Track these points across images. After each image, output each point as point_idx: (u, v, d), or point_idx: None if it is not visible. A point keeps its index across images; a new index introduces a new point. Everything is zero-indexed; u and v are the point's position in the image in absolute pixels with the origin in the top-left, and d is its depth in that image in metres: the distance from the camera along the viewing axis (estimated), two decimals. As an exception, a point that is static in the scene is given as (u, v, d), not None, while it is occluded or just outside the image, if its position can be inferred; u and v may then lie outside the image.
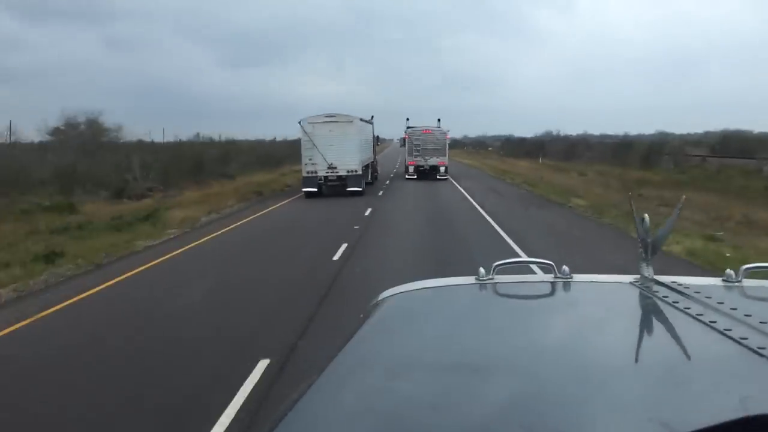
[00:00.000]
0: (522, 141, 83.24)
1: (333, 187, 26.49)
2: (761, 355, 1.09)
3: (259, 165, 43.66)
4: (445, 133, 36.13)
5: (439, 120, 37.42)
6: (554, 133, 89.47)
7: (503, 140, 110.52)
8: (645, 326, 1.46)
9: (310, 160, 26.41)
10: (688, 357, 1.22)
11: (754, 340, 1.15)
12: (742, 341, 1.15)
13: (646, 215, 1.69)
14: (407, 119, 37.45)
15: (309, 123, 26.70)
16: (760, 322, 1.25)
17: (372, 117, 34.87)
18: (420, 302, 1.71)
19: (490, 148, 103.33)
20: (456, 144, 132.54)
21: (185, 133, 49.93)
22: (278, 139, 57.37)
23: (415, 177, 34.60)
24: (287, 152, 46.72)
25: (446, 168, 35.32)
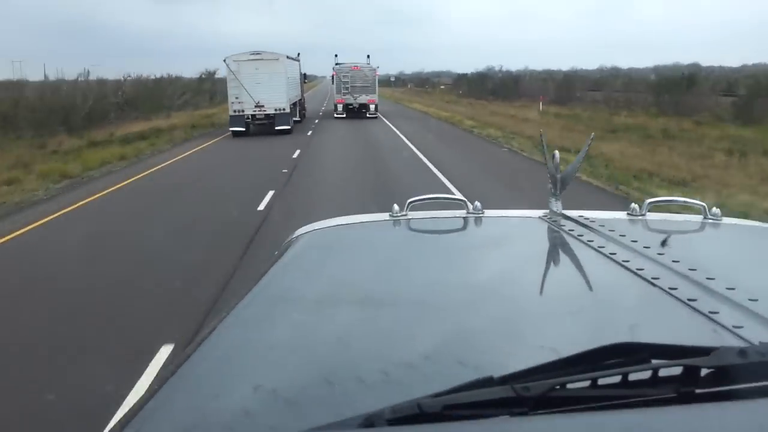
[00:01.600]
0: (482, 77, 71.32)
1: (261, 126, 26.40)
2: (654, 285, 1.14)
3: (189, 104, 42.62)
4: (374, 70, 35.40)
5: (368, 56, 36.84)
6: (496, 68, 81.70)
7: (455, 77, 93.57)
8: (550, 259, 1.51)
9: (237, 98, 26.22)
10: (589, 287, 1.28)
11: (649, 271, 1.20)
12: (639, 272, 1.20)
13: (557, 152, 1.73)
14: (335, 56, 36.69)
15: (234, 61, 26.33)
16: (657, 254, 1.30)
17: (299, 54, 34.44)
18: (334, 239, 1.71)
19: (442, 87, 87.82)
20: (395, 82, 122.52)
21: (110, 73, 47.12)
22: (204, 77, 55.45)
23: (344, 115, 34.04)
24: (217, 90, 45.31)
25: (376, 106, 35.00)
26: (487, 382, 0.77)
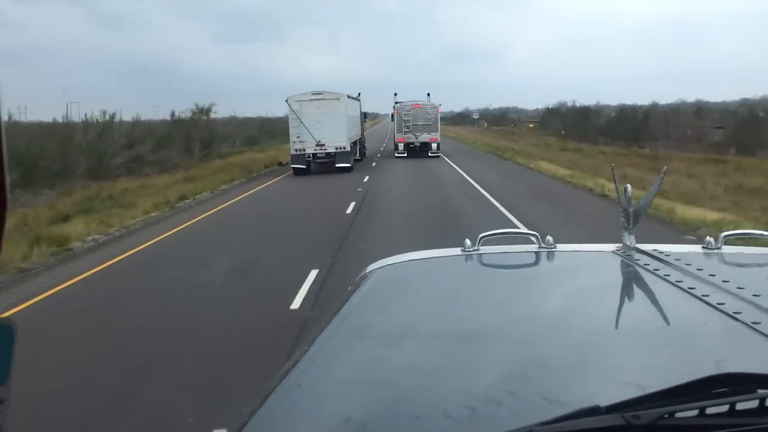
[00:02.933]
0: (582, 113, 58.70)
1: (321, 164, 26.70)
2: (736, 320, 1.12)
3: (249, 143, 43.93)
4: (436, 108, 34.75)
5: (428, 94, 36.35)
6: (568, 103, 76.37)
7: (543, 112, 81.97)
8: (626, 293, 1.49)
9: (298, 137, 26.60)
10: (667, 322, 1.26)
11: (731, 305, 1.18)
12: (719, 306, 1.18)
13: (629, 185, 1.71)
14: (395, 94, 36.13)
15: (296, 101, 26.85)
16: (737, 288, 1.28)
17: (359, 94, 34.92)
18: (407, 274, 1.72)
19: (530, 125, 72.46)
20: (460, 119, 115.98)
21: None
22: (270, 116, 57.67)
23: (405, 155, 33.36)
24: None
25: (438, 144, 34.13)
26: (595, 410, 0.77)
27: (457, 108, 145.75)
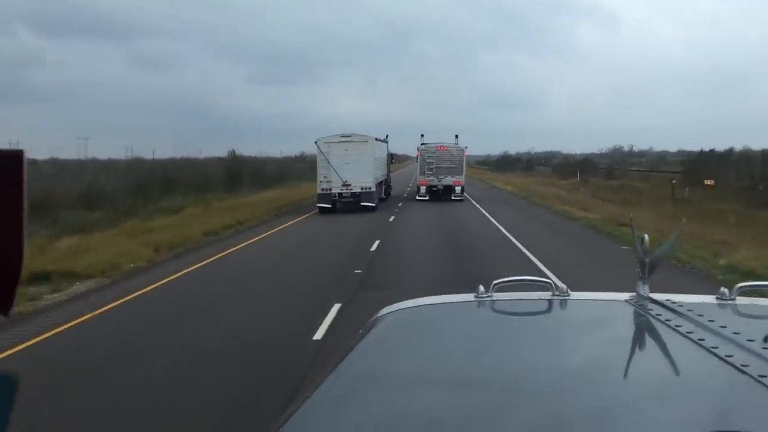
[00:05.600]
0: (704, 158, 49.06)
1: (346, 203, 27.48)
2: (743, 372, 1.12)
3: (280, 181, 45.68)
4: (462, 150, 33.77)
5: (456, 136, 35.10)
6: (625, 149, 67.30)
7: (661, 158, 68.78)
8: (637, 344, 1.49)
9: (325, 177, 27.52)
10: (676, 373, 1.27)
11: (739, 358, 1.18)
12: (728, 359, 1.19)
13: (646, 236, 1.73)
14: (422, 135, 35.12)
15: (325, 143, 27.84)
16: (747, 340, 1.28)
17: (387, 136, 35.69)
18: (419, 319, 1.71)
19: (708, 181, 43.08)
20: (508, 163, 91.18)
21: (219, 151, 51.93)
22: (306, 155, 59.23)
23: (427, 198, 32.47)
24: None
25: (462, 188, 33.13)
26: None
27: (494, 151, 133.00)
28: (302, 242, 18.70)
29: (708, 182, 42.46)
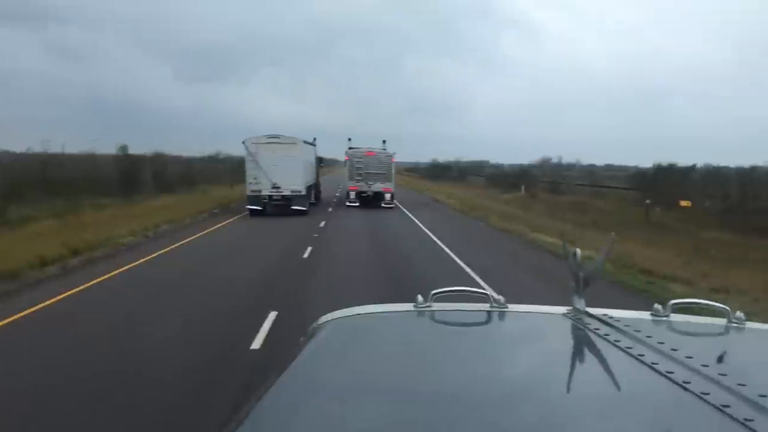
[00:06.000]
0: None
1: (277, 206, 27.09)
2: (686, 389, 1.13)
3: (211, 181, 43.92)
4: (390, 156, 33.32)
5: (384, 141, 34.73)
6: (553, 160, 63.79)
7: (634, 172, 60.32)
8: (576, 358, 1.48)
9: (255, 179, 27.03)
10: (618, 389, 1.26)
11: (680, 374, 1.19)
12: (669, 375, 1.20)
13: (578, 249, 1.74)
14: (349, 139, 34.50)
15: (253, 143, 27.31)
16: (686, 357, 1.29)
17: (315, 139, 35.29)
18: (359, 328, 1.72)
19: (684, 202, 38.29)
20: (439, 172, 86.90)
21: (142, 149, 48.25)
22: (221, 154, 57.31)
23: (357, 204, 32.15)
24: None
25: (392, 195, 32.84)
26: None
27: (422, 158, 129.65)
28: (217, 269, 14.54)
29: (684, 203, 38.25)
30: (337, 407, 1.18)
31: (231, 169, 43.86)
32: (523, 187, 49.77)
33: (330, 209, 31.02)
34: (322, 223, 23.98)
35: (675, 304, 1.73)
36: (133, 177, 35.70)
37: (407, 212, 30.24)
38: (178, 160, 49.59)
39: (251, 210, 26.80)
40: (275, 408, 1.20)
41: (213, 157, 59.08)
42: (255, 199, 26.95)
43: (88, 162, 36.14)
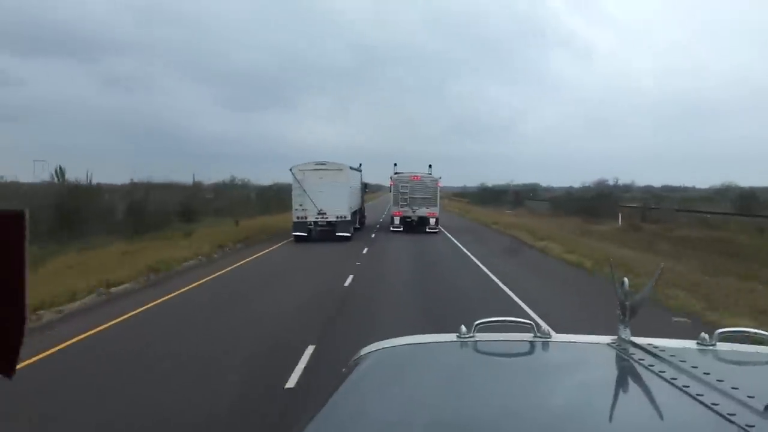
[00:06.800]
0: None
1: (322, 232, 27.38)
2: (731, 422, 1.11)
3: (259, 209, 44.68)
4: (436, 181, 32.90)
5: (430, 166, 34.15)
6: (609, 182, 55.94)
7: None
8: (620, 389, 1.47)
9: (301, 205, 27.38)
10: (661, 420, 1.24)
11: (725, 406, 1.17)
12: (714, 407, 1.18)
13: (626, 279, 1.73)
14: (395, 164, 34.09)
15: (300, 170, 27.75)
16: (731, 388, 1.26)
17: (360, 165, 35.77)
18: (402, 360, 1.70)
19: None
20: (488, 197, 75.92)
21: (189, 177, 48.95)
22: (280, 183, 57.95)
23: (401, 229, 31.71)
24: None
25: (437, 220, 32.37)
26: None
27: (470, 182, 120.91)
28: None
29: None
30: None
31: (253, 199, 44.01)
32: (620, 216, 39.03)
33: (373, 235, 30.82)
34: (365, 250, 23.87)
35: (721, 333, 1.69)
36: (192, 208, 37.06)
37: (497, 281, 15.66)
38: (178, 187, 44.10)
39: (296, 236, 27.09)
40: None
41: (227, 183, 55.96)
42: (300, 225, 27.28)
43: (165, 191, 36.97)
